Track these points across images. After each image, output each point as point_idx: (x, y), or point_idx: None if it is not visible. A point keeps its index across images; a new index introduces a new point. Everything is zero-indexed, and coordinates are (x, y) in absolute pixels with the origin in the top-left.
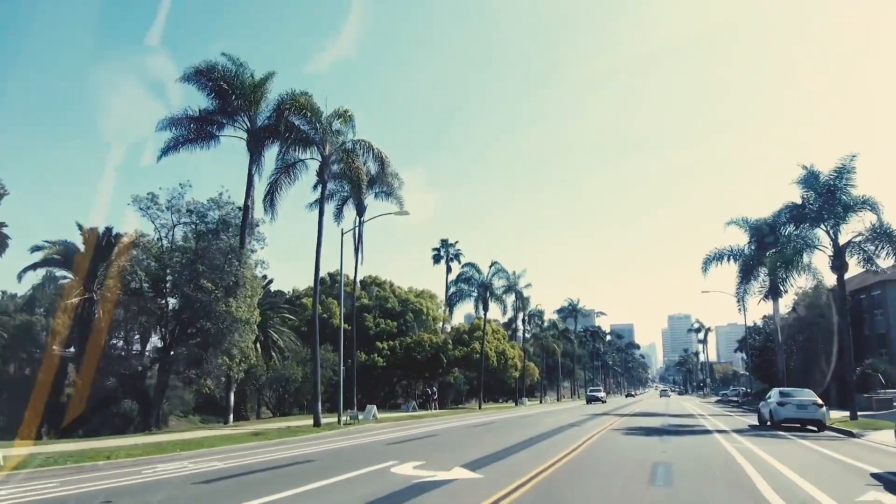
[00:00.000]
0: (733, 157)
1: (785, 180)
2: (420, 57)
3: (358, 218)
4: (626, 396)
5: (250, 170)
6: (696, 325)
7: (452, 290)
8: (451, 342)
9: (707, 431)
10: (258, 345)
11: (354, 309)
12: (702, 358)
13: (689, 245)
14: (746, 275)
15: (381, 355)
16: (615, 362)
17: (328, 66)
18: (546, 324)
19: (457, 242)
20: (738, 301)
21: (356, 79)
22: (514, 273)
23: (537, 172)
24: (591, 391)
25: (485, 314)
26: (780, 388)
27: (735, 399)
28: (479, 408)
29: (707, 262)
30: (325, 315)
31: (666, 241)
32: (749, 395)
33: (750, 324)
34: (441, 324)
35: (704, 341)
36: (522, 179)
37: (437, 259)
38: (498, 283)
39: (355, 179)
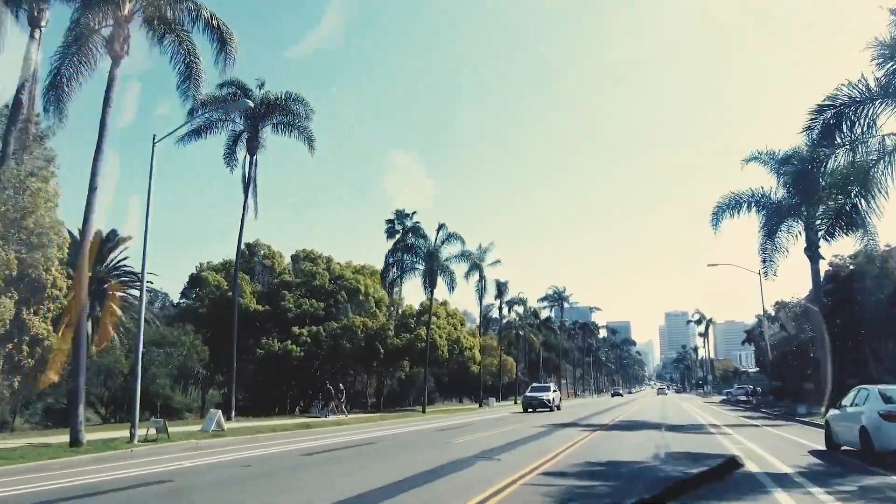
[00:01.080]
0: (734, 157)
1: None
2: (418, 55)
3: (248, 157)
4: (613, 395)
5: (28, 48)
6: (697, 317)
7: (390, 260)
8: (392, 328)
9: (756, 484)
10: (90, 322)
11: (250, 281)
12: (702, 353)
13: (687, 244)
14: (774, 228)
15: (299, 343)
16: (609, 359)
17: (313, 51)
18: (526, 312)
19: (414, 213)
20: (763, 263)
21: (349, 69)
22: (479, 247)
23: (534, 171)
24: (531, 391)
25: (431, 292)
26: (881, 387)
27: (744, 399)
28: (423, 411)
29: (719, 214)
30: (230, 293)
31: (664, 240)
32: (760, 394)
33: (753, 321)
34: (393, 308)
35: (705, 334)
36: (519, 178)
37: (390, 233)
38: (448, 253)
39: (186, 63)
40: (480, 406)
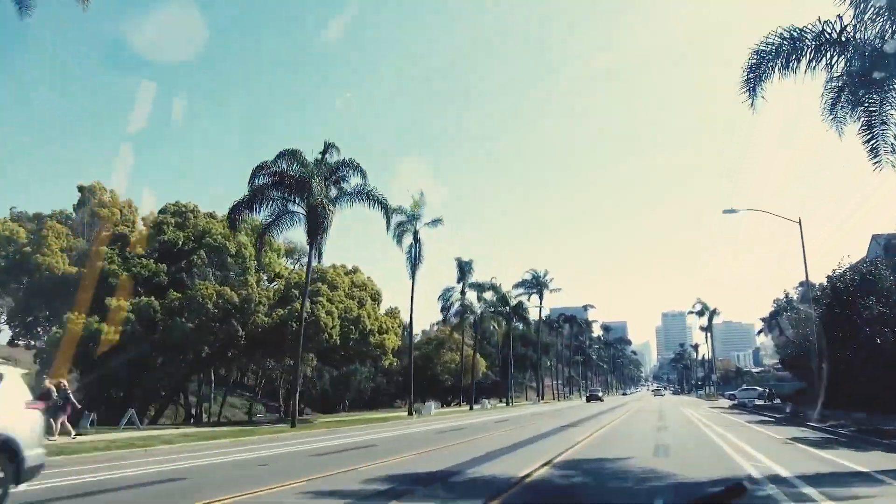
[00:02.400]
0: (733, 156)
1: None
2: (415, 56)
3: None
4: (588, 399)
5: None
6: (699, 307)
7: (247, 194)
8: (264, 301)
9: None
10: None
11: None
12: (703, 351)
13: (684, 245)
14: (869, 75)
15: (115, 322)
16: (601, 358)
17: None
18: (499, 298)
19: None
20: (868, 131)
21: (348, 69)
22: (415, 204)
23: (532, 172)
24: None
25: (310, 245)
26: None
27: (760, 403)
28: (293, 425)
29: (760, 69)
30: (27, 248)
31: (662, 241)
32: (775, 396)
33: (755, 321)
34: (262, 269)
35: (708, 328)
36: (517, 178)
37: None
38: (346, 188)
39: None
40: (410, 414)
